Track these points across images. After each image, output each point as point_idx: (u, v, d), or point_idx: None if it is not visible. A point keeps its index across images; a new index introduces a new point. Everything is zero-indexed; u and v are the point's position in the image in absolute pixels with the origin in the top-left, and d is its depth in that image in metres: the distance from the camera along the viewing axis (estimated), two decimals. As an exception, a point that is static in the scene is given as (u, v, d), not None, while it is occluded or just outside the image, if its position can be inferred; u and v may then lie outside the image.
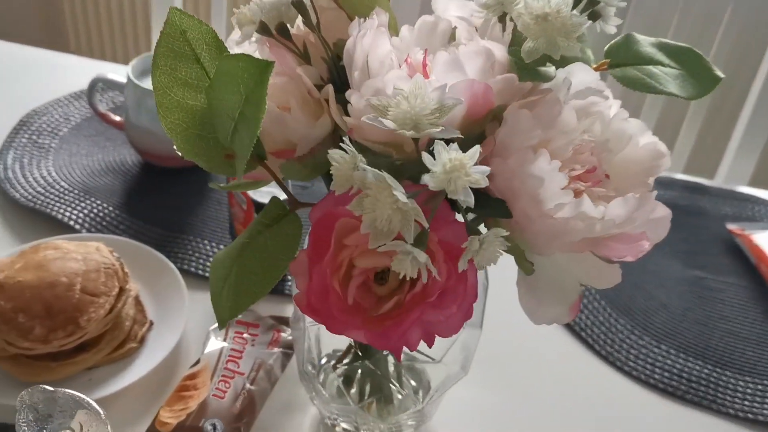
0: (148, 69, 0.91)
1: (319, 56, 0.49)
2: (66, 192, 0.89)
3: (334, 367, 0.62)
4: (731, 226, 0.93)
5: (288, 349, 0.72)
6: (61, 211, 0.86)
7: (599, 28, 0.44)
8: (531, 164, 0.40)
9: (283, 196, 0.48)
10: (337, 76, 0.48)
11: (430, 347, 0.44)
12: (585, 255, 0.44)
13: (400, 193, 0.38)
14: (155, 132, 0.89)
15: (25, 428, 0.49)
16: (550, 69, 0.43)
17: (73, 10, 2.09)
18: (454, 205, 0.42)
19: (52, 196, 0.88)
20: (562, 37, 0.41)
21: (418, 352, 0.60)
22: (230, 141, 0.45)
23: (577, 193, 0.41)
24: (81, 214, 0.86)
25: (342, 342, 0.61)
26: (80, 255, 0.71)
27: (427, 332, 0.44)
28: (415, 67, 0.43)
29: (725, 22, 1.18)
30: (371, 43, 0.43)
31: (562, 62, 0.43)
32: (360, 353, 0.60)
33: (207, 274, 0.80)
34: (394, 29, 0.47)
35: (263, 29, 0.47)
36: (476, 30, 0.46)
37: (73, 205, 0.87)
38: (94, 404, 0.51)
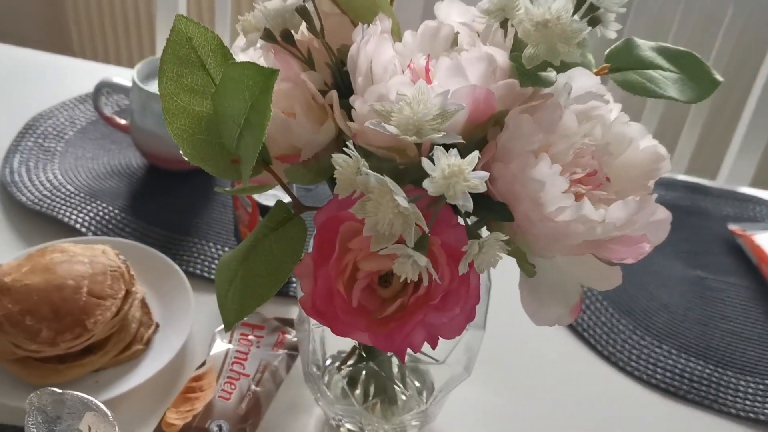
0: (152, 72, 0.92)
1: (323, 62, 0.49)
2: (72, 195, 0.89)
3: (339, 369, 0.62)
4: (733, 227, 0.93)
5: (293, 350, 0.72)
6: (68, 214, 0.86)
7: (600, 33, 0.44)
8: (532, 168, 0.40)
9: (287, 199, 0.49)
10: (341, 82, 0.48)
11: (433, 349, 0.44)
12: (586, 257, 0.44)
13: (401, 198, 0.38)
14: (160, 135, 0.90)
15: (35, 430, 0.50)
16: (550, 74, 0.43)
17: (77, 13, 2.09)
18: (456, 208, 0.42)
19: (58, 199, 0.88)
20: (562, 43, 0.41)
21: (422, 353, 0.60)
22: (236, 147, 0.45)
23: (578, 197, 0.41)
24: (87, 217, 0.86)
25: (346, 344, 0.61)
26: (87, 258, 0.71)
27: (431, 334, 0.44)
28: (418, 72, 0.43)
29: (726, 23, 1.18)
30: (374, 49, 0.43)
31: (562, 67, 0.43)
32: (364, 355, 0.60)
33: (212, 277, 0.81)
34: (397, 34, 0.47)
35: (268, 36, 0.48)
36: (478, 35, 0.46)
37: (79, 208, 0.87)
38: (102, 406, 0.51)
